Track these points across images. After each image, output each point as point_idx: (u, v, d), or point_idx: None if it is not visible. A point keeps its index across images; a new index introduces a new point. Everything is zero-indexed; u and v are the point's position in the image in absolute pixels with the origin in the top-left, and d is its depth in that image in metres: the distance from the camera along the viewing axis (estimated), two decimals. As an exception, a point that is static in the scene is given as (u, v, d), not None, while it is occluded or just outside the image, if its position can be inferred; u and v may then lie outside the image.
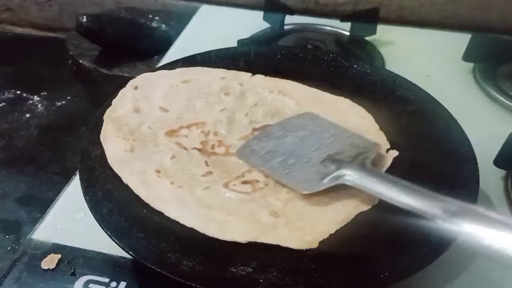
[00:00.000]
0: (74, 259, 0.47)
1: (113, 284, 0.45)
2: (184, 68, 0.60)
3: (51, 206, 0.53)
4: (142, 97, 0.55)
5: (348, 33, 0.81)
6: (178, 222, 0.42)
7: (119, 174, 0.46)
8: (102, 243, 0.47)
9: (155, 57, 0.84)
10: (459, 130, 0.50)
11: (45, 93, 0.96)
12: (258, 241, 0.41)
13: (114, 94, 0.56)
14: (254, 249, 0.40)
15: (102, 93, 0.82)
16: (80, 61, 0.84)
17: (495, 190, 0.54)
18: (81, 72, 0.85)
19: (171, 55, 0.78)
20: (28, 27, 1.15)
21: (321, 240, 0.41)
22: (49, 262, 0.47)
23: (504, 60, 0.74)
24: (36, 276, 0.46)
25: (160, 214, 0.43)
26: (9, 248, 0.68)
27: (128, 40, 0.85)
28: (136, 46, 0.86)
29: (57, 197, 0.54)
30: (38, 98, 0.95)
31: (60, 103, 0.94)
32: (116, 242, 0.40)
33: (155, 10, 0.98)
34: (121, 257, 0.47)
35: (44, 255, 0.47)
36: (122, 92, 0.55)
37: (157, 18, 0.94)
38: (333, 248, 0.40)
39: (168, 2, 1.02)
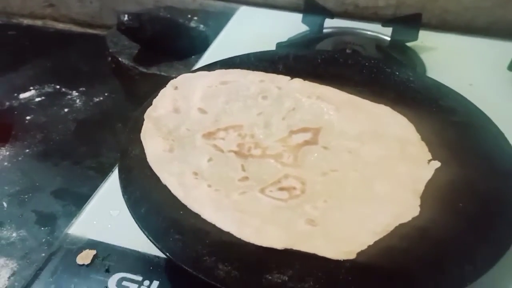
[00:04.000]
0: (109, 256, 0.47)
1: (146, 282, 0.45)
2: (223, 70, 0.60)
3: (87, 202, 0.54)
4: (182, 97, 0.55)
5: (388, 38, 0.80)
6: (214, 226, 0.42)
7: (158, 174, 0.46)
8: (137, 241, 0.47)
9: (193, 57, 0.85)
10: (507, 146, 0.48)
11: (84, 88, 0.98)
12: (294, 248, 0.40)
13: (152, 92, 0.56)
14: (290, 257, 0.40)
15: (139, 91, 0.83)
16: (119, 58, 0.85)
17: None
18: (119, 69, 0.86)
19: (209, 56, 0.78)
20: (69, 23, 1.18)
21: (359, 252, 0.40)
22: (85, 257, 0.47)
23: (552, 71, 0.71)
24: (71, 271, 0.46)
25: (197, 216, 0.43)
26: (43, 240, 0.70)
27: (166, 39, 0.86)
28: (174, 45, 0.86)
29: (94, 194, 0.55)
30: (77, 94, 0.97)
31: (97, 99, 0.95)
32: (153, 243, 0.40)
33: (193, 10, 0.99)
34: (155, 256, 0.47)
35: (80, 250, 0.48)
36: (162, 91, 0.56)
37: (195, 18, 0.95)
38: (372, 260, 0.39)
39: (206, 2, 1.02)
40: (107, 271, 0.46)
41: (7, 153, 0.84)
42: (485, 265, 0.38)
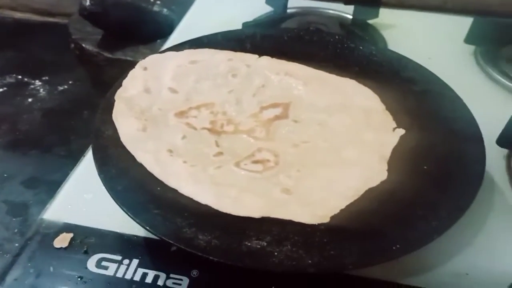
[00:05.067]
0: (86, 238, 0.48)
1: (126, 261, 0.46)
2: (192, 50, 0.60)
3: (60, 187, 0.54)
4: (152, 77, 0.55)
5: (350, 17, 0.82)
6: (192, 199, 0.43)
7: (133, 153, 0.47)
8: (114, 222, 0.48)
9: (158, 41, 0.85)
10: (465, 109, 0.51)
11: (47, 77, 0.96)
12: (271, 216, 0.42)
13: (118, 77, 0.56)
14: (267, 224, 0.41)
15: (106, 77, 0.82)
16: (83, 45, 0.84)
17: (498, 169, 0.55)
18: (84, 56, 0.85)
19: (174, 39, 0.78)
20: (28, 12, 1.14)
21: (333, 215, 0.42)
22: (62, 241, 0.47)
23: (506, 42, 0.74)
24: (49, 255, 0.46)
25: (175, 191, 0.44)
26: (16, 230, 0.69)
27: (131, 24, 0.85)
28: (139, 30, 0.86)
29: (67, 178, 0.55)
30: (40, 83, 0.95)
31: (62, 87, 0.94)
32: (132, 218, 0.40)
33: (156, -6, 0.98)
34: (133, 235, 0.47)
35: (56, 234, 0.48)
36: (131, 73, 0.56)
37: (158, 2, 0.94)
38: (345, 222, 0.41)
39: (169, -14, 1.01)
40: (86, 252, 0.46)
41: (-27, 145, 0.82)
42: (450, 220, 0.40)
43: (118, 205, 0.42)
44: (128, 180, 0.44)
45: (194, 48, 0.61)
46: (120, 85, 0.54)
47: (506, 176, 0.55)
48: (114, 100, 0.52)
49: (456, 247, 0.46)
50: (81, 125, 0.83)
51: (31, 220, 0.69)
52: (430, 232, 0.39)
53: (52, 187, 0.55)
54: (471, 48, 0.75)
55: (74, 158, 0.58)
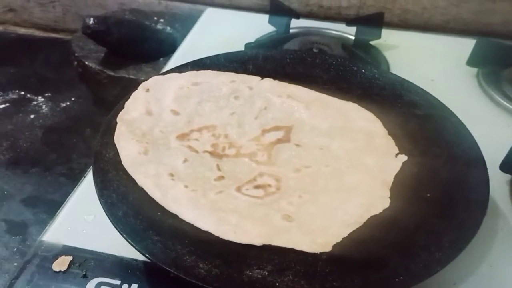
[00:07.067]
0: (86, 261, 0.47)
1: (125, 286, 0.45)
2: (194, 71, 0.60)
3: (60, 208, 0.53)
4: (154, 99, 0.55)
5: (353, 37, 0.82)
6: (193, 225, 0.43)
7: (134, 177, 0.46)
8: (114, 245, 0.47)
9: (161, 59, 0.85)
10: (467, 135, 0.51)
11: (49, 94, 0.96)
12: (272, 244, 0.41)
13: (121, 96, 0.56)
14: (269, 252, 0.41)
15: (108, 95, 0.82)
16: (86, 62, 0.84)
17: (501, 195, 0.55)
18: (86, 73, 0.85)
19: (177, 58, 0.78)
20: (31, 28, 1.15)
21: (335, 244, 0.41)
22: (61, 264, 0.47)
23: (508, 64, 0.75)
24: (48, 278, 0.46)
25: (175, 217, 0.43)
26: (15, 249, 0.68)
27: (134, 42, 0.85)
28: (141, 48, 0.86)
29: (67, 199, 0.55)
30: (42, 99, 0.94)
31: (64, 104, 0.93)
32: (132, 245, 0.40)
33: (159, 12, 0.99)
34: (133, 259, 0.47)
35: (55, 257, 0.47)
36: (134, 94, 0.56)
37: (162, 20, 0.95)
38: (347, 251, 0.41)
39: (172, 4, 1.02)
40: (85, 276, 0.46)
41: (-27, 161, 0.81)
42: (454, 251, 0.39)
43: (118, 231, 0.41)
44: (129, 205, 0.44)
45: (196, 70, 0.61)
46: (122, 107, 0.54)
47: (510, 202, 0.54)
48: (116, 122, 0.52)
49: (460, 276, 0.45)
50: (82, 144, 0.83)
51: (30, 240, 0.68)
52: (434, 264, 0.38)
53: (52, 207, 0.54)
54: (474, 70, 0.76)
55: (75, 178, 0.58)
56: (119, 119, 0.52)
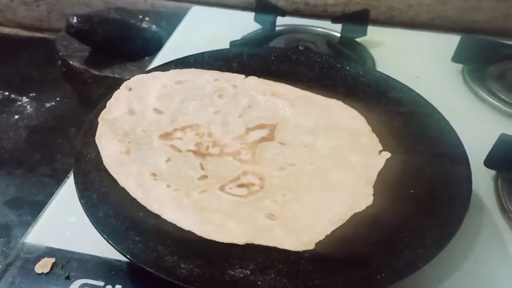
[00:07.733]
0: (68, 263, 0.47)
1: (109, 287, 0.45)
2: (178, 70, 0.60)
3: (43, 210, 0.53)
4: (137, 98, 0.55)
5: (338, 35, 0.82)
6: (175, 225, 0.42)
7: (115, 177, 0.46)
8: (97, 246, 0.47)
9: (146, 58, 0.84)
10: (451, 131, 0.51)
11: (34, 94, 0.95)
12: (255, 243, 0.41)
13: (106, 95, 0.55)
14: (251, 251, 0.40)
15: (93, 94, 0.82)
16: (70, 62, 0.83)
17: (486, 190, 0.55)
18: (70, 73, 0.84)
19: (162, 56, 0.78)
20: (16, 27, 1.14)
21: (318, 241, 0.41)
22: (43, 266, 0.46)
23: (493, 61, 0.75)
24: (30, 281, 0.45)
25: (157, 217, 0.43)
26: (-1, 251, 0.67)
27: (118, 41, 0.84)
28: (126, 47, 0.85)
29: (50, 201, 0.54)
30: (27, 99, 0.93)
31: (49, 104, 0.92)
32: (113, 246, 0.40)
33: (145, 10, 0.98)
34: (116, 260, 0.46)
35: (38, 259, 0.47)
36: (116, 94, 0.55)
37: (147, 18, 0.94)
38: (330, 249, 0.41)
39: (158, 2, 1.01)
40: (68, 278, 0.45)
41: (-44, 162, 0.80)
42: (436, 247, 0.39)
43: (99, 232, 0.41)
44: (110, 206, 0.43)
45: (180, 68, 0.60)
46: (104, 107, 0.53)
47: (494, 198, 0.54)
48: (98, 122, 0.51)
49: (445, 272, 0.45)
50: (67, 144, 0.82)
51: (14, 242, 0.67)
52: (416, 260, 0.38)
53: (36, 208, 0.54)
54: (459, 66, 0.76)
55: (59, 179, 0.57)
56: (100, 118, 0.51)
